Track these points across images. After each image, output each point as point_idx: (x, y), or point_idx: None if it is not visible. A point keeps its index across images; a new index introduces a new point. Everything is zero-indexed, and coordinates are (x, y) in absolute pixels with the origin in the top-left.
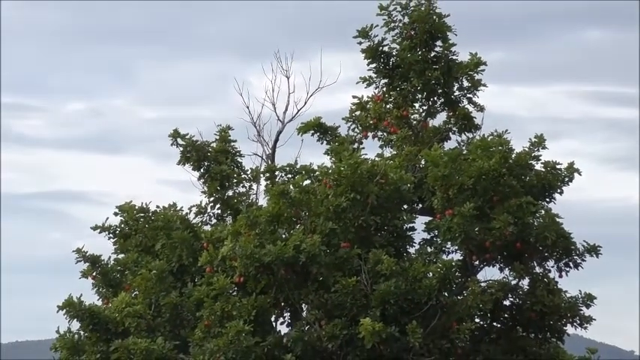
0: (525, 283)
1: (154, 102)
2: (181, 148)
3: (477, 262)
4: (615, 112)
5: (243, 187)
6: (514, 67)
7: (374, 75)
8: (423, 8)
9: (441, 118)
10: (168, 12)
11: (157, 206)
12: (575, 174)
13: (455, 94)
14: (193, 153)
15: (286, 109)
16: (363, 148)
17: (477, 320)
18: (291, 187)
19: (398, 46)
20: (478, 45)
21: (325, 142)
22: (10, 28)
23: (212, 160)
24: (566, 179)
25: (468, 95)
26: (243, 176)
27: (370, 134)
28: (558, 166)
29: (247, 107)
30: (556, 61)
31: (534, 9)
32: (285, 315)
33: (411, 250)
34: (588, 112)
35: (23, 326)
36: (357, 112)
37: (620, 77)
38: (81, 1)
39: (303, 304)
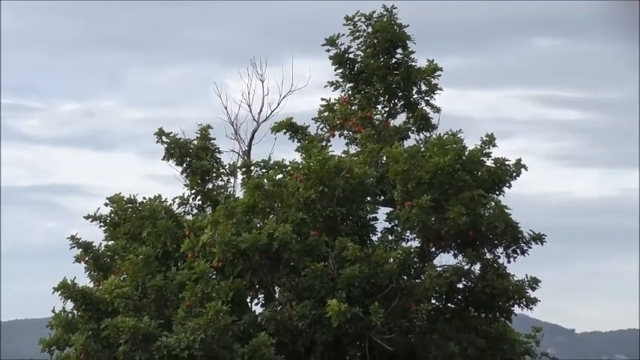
0: (477, 268)
1: (141, 103)
2: (166, 145)
3: (433, 249)
4: (561, 115)
5: (221, 180)
6: (469, 73)
7: (340, 79)
8: (385, 19)
9: (401, 119)
10: (154, 21)
11: (144, 198)
12: (522, 169)
13: (414, 97)
14: (176, 150)
15: (261, 110)
16: (331, 145)
17: (433, 301)
18: (265, 180)
19: (362, 54)
20: (436, 52)
21: (296, 140)
22: (11, 35)
23: (193, 156)
24: (514, 174)
25: (426, 98)
26: (221, 171)
27: (337, 133)
28: (507, 163)
29: (225, 108)
30: (508, 67)
31: (488, 20)
32: (259, 296)
33: (374, 238)
34: (537, 114)
35: (21, 306)
36: (325, 113)
37: (565, 82)
38: (75, 12)
39: (276, 287)
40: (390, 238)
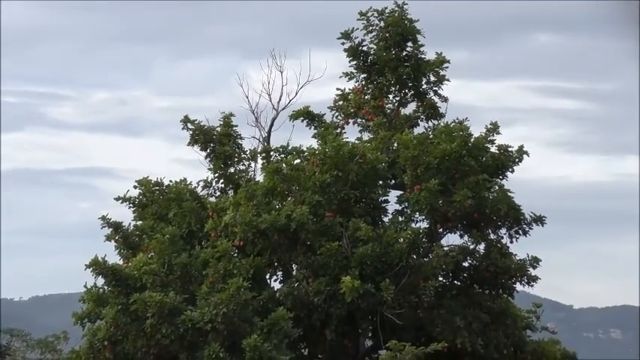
0: (481, 247)
1: (168, 93)
2: (191, 132)
3: (440, 230)
4: (560, 104)
5: (242, 165)
6: (475, 65)
7: (354, 71)
8: (396, 14)
9: (411, 108)
10: (180, 17)
11: (170, 181)
12: (524, 155)
13: (423, 87)
14: (201, 136)
15: (280, 99)
16: (345, 132)
17: (440, 279)
18: (284, 165)
19: (375, 47)
20: (444, 46)
21: (313, 127)
22: (48, 30)
23: (217, 142)
24: (517, 160)
25: (434, 88)
26: (243, 156)
27: (351, 121)
28: (510, 149)
29: (247, 97)
30: (511, 60)
31: (492, 17)
32: (277, 274)
33: (385, 220)
34: (537, 103)
35: (55, 282)
36: (340, 102)
37: (564, 74)
38: (107, 9)
39: (293, 265)
40: (400, 219)
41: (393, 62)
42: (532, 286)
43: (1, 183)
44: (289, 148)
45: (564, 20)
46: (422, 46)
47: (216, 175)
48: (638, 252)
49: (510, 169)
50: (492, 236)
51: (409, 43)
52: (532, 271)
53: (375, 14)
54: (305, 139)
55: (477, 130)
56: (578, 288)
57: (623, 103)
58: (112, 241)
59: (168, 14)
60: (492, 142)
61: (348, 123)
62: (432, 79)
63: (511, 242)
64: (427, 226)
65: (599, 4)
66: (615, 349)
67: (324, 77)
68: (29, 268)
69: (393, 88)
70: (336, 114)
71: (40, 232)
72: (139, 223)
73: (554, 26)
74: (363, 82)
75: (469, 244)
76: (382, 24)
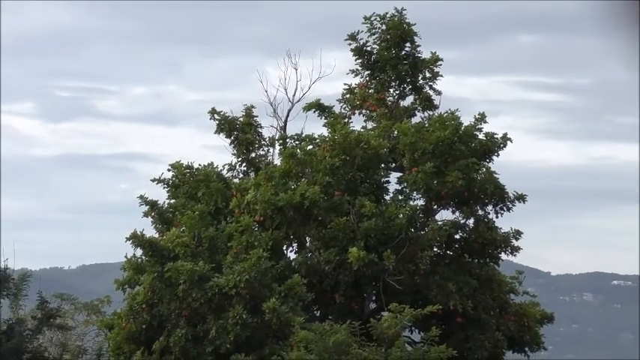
0: (471, 222)
1: (198, 88)
2: (217, 122)
3: (435, 207)
4: (541, 97)
5: (262, 150)
6: (465, 63)
7: (360, 68)
8: (396, 19)
9: (409, 100)
10: (208, 20)
11: (199, 164)
12: (508, 142)
13: (419, 82)
14: (226, 125)
15: (295, 93)
16: (352, 122)
17: (435, 249)
18: (298, 150)
19: (377, 47)
20: (437, 45)
21: (323, 117)
22: (92, 31)
23: (240, 130)
24: (502, 145)
25: (429, 83)
26: (262, 142)
27: (357, 112)
28: (495, 136)
29: (266, 92)
30: (497, 58)
31: (483, 18)
32: (293, 245)
33: (387, 198)
34: (521, 96)
35: (99, 253)
36: (347, 96)
37: (544, 70)
38: (142, 12)
39: (307, 237)
40: (399, 197)
41: (393, 60)
42: (515, 255)
43: None
44: (303, 135)
45: (546, 21)
46: (418, 46)
47: (239, 159)
48: (607, 225)
49: (496, 154)
50: (480, 212)
51: (407, 44)
52: (515, 243)
53: (378, 18)
54: (317, 128)
55: (466, 120)
56: (555, 257)
57: (596, 96)
58: (149, 217)
59: (198, 18)
60: (480, 130)
61: (354, 114)
62: (428, 75)
63: (497, 217)
64: (423, 203)
65: (578, 4)
66: (587, 311)
67: (334, 74)
68: (76, 240)
69: (393, 83)
70: (344, 106)
71: (86, 209)
72: (172, 201)
73: (536, 27)
74: (367, 78)
75: (460, 219)
76: (384, 27)
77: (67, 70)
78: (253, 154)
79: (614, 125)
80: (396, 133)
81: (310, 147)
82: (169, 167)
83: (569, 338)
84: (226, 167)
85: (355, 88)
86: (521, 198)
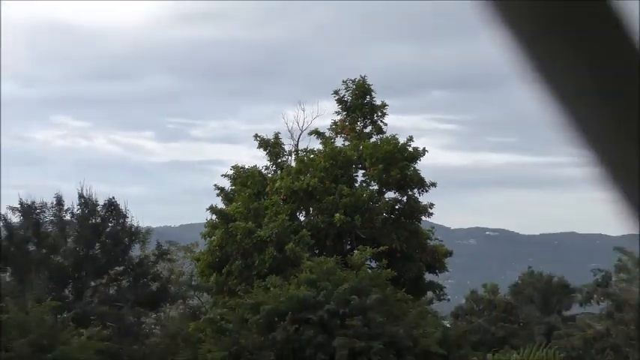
0: (404, 199)
1: (248, 121)
2: (258, 141)
3: (384, 190)
4: (444, 127)
5: (284, 158)
6: (401, 107)
7: (340, 110)
8: (361, 82)
9: (368, 129)
10: (252, 82)
11: (248, 166)
12: (426, 152)
13: (375, 118)
14: (263, 143)
15: (303, 124)
16: (335, 141)
17: (384, 214)
18: (305, 158)
19: (350, 98)
20: (385, 96)
21: (320, 139)
22: (189, 91)
23: (271, 146)
24: (422, 154)
25: (380, 118)
26: (284, 153)
27: (338, 136)
28: (418, 149)
29: (286, 124)
30: (420, 104)
31: (410, 80)
32: (302, 212)
33: (356, 185)
34: (433, 126)
35: (192, 216)
36: (333, 126)
37: (446, 111)
38: (214, 76)
39: (310, 208)
40: (364, 185)
41: (360, 106)
42: (429, 217)
43: None
44: (308, 149)
45: (454, 78)
46: (374, 97)
47: (271, 163)
48: (482, 200)
49: (419, 159)
50: (410, 193)
51: (367, 96)
52: (430, 210)
53: (350, 82)
54: (315, 145)
55: (402, 139)
56: (453, 218)
57: (475, 127)
58: (220, 197)
59: (246, 81)
60: (409, 145)
61: (337, 137)
62: (379, 113)
63: (419, 195)
64: (377, 188)
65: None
66: (471, 248)
67: (325, 114)
68: (178, 208)
69: (360, 119)
70: (331, 132)
71: (183, 192)
72: (232, 187)
73: (443, 86)
74: (345, 116)
75: (398, 197)
76: (354, 86)
77: (173, 112)
78: (279, 160)
79: (487, 142)
80: (361, 147)
81: (312, 156)
82: (231, 168)
83: (460, 265)
84: (263, 167)
85: (338, 121)
86: (433, 184)
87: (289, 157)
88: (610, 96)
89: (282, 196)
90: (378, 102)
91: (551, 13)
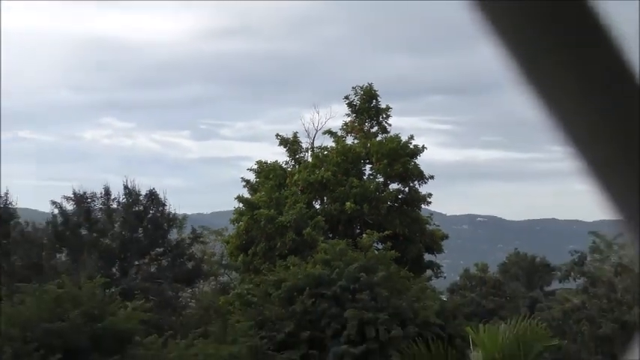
0: (406, 189)
1: (271, 123)
2: (279, 139)
3: (389, 182)
4: (440, 127)
5: (302, 154)
6: (404, 109)
7: (350, 112)
8: (368, 88)
9: (375, 129)
10: (273, 90)
11: (271, 161)
12: (425, 149)
13: (380, 119)
14: (284, 142)
15: (318, 125)
16: (345, 139)
17: (389, 203)
18: (320, 154)
19: (359, 102)
20: (389, 100)
21: (332, 137)
22: (218, 96)
23: (290, 144)
24: (421, 151)
25: (385, 120)
26: (302, 150)
27: (349, 135)
28: (418, 146)
29: (304, 124)
30: (420, 107)
31: (410, 86)
32: (317, 201)
33: (364, 178)
34: (430, 126)
35: (223, 204)
36: (344, 126)
37: (443, 113)
38: (242, 82)
39: (324, 197)
40: (371, 177)
41: (367, 109)
42: (428, 205)
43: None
44: (322, 146)
45: (450, 84)
46: (379, 101)
47: (290, 159)
48: (470, 190)
49: (418, 155)
50: (411, 184)
51: (374, 100)
52: (428, 199)
53: (358, 88)
54: (329, 142)
55: (404, 138)
56: (449, 205)
57: (467, 127)
58: (246, 188)
59: (269, 89)
60: (411, 143)
61: (347, 136)
62: (384, 115)
63: (419, 186)
64: (382, 180)
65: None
66: (465, 233)
67: (337, 115)
68: (217, 201)
69: (367, 120)
70: (342, 132)
71: (214, 184)
72: (257, 179)
73: (441, 90)
74: (354, 117)
75: (401, 187)
76: (362, 92)
77: (205, 115)
78: (297, 156)
79: (478, 141)
80: (369, 145)
81: (326, 152)
82: (256, 163)
83: (454, 247)
84: (283, 162)
85: (348, 122)
86: (431, 177)
87: (306, 154)
88: (594, 97)
89: (300, 187)
90: (383, 105)
91: (536, 15)
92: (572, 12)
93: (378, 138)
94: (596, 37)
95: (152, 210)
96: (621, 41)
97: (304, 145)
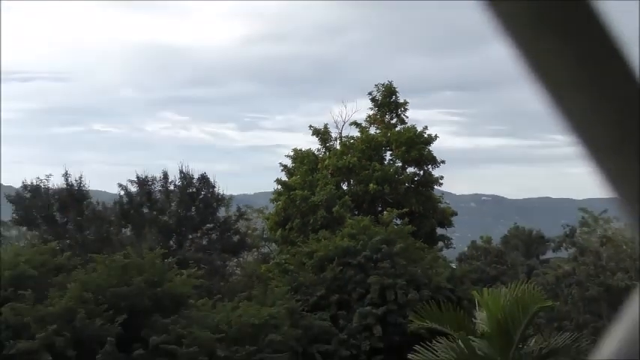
0: (421, 172)
1: (305, 115)
2: (312, 130)
3: (406, 166)
4: (450, 118)
5: (332, 142)
6: (419, 104)
7: (373, 107)
8: (389, 84)
9: (394, 120)
10: (306, 86)
11: (305, 149)
12: (437, 138)
13: (399, 112)
14: (316, 132)
15: (345, 117)
16: (368, 130)
17: (406, 184)
18: (347, 142)
19: (380, 97)
20: (407, 95)
21: (358, 128)
22: (261, 93)
23: (322, 134)
24: (434, 139)
25: (403, 112)
26: (331, 139)
27: (372, 125)
28: (432, 135)
29: (333, 117)
30: (433, 102)
31: (425, 84)
32: (345, 183)
33: (385, 162)
34: (442, 118)
35: (260, 186)
36: (368, 118)
37: (454, 107)
38: (279, 78)
39: (351, 180)
40: (391, 163)
41: (387, 103)
42: (440, 186)
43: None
44: (349, 136)
45: (460, 82)
46: (398, 96)
47: (321, 146)
48: (475, 172)
49: (432, 143)
50: (425, 168)
51: (393, 95)
52: (440, 181)
53: (380, 85)
54: (354, 132)
55: (419, 128)
56: (457, 186)
57: (474, 119)
58: (284, 172)
59: (304, 87)
60: (425, 132)
61: (370, 126)
62: (402, 109)
63: (432, 170)
64: (401, 164)
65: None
66: (471, 210)
67: (362, 109)
68: (259, 184)
69: (388, 113)
70: (366, 123)
71: (257, 169)
72: (293, 165)
73: (452, 86)
74: (377, 110)
75: (417, 171)
76: (383, 89)
77: (249, 109)
78: (327, 144)
79: (484, 130)
80: (389, 134)
81: (352, 141)
82: (292, 150)
83: (462, 222)
84: (315, 150)
85: (371, 115)
86: (442, 162)
87: (335, 142)
88: (596, 87)
89: (329, 171)
90: (402, 100)
91: (542, 12)
92: (578, 12)
93: (397, 128)
94: (599, 35)
95: (203, 191)
96: (623, 40)
97: (333, 135)
